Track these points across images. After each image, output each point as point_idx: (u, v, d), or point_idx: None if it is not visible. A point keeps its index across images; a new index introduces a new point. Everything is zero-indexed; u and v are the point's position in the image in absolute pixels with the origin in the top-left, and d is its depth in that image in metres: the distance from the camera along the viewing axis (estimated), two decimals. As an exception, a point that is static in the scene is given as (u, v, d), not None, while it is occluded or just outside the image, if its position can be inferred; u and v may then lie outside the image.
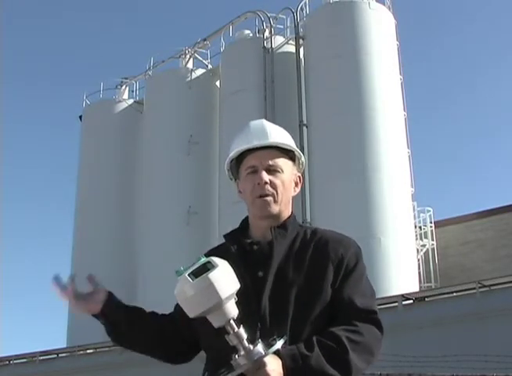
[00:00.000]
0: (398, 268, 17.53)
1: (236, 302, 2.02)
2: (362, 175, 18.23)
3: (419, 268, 19.71)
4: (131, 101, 25.49)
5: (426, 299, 13.38)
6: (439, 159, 48.97)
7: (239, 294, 2.03)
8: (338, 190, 18.13)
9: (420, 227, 21.81)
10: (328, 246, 2.26)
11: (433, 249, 21.81)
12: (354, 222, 17.61)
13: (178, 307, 2.22)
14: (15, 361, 18.19)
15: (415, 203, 20.61)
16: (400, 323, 12.34)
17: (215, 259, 2.01)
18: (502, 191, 43.69)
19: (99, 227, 23.12)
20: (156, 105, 23.59)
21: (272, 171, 2.27)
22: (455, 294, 13.36)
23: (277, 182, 2.26)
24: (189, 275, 1.98)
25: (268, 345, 1.98)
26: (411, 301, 13.20)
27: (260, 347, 1.98)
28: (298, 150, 2.37)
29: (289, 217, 2.33)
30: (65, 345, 21.09)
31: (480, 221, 22.38)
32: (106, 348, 16.86)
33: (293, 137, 2.40)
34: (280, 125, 2.41)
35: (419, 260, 20.30)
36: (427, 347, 11.25)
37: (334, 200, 18.15)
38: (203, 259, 2.02)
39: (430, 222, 22.16)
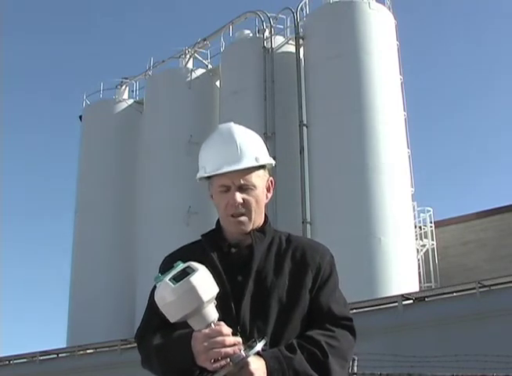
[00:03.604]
0: (398, 268, 17.53)
1: (216, 306, 2.03)
2: (362, 175, 18.22)
3: (419, 268, 19.71)
4: (131, 101, 25.48)
5: (426, 299, 13.37)
6: (439, 159, 49.01)
7: (218, 298, 2.03)
8: (338, 190, 18.11)
9: (420, 227, 21.82)
10: (306, 253, 2.28)
11: (433, 249, 21.81)
12: (354, 221, 17.62)
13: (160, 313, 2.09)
14: (15, 361, 18.22)
15: (415, 203, 20.61)
16: (400, 323, 12.36)
17: (194, 264, 2.02)
18: (503, 191, 43.73)
19: (99, 227, 23.12)
20: (156, 105, 23.57)
21: (244, 189, 2.22)
22: (455, 294, 13.35)
23: (251, 199, 2.23)
24: (169, 280, 1.98)
25: (249, 347, 2.00)
26: (411, 301, 13.20)
27: (241, 349, 1.99)
28: (269, 157, 2.31)
29: (265, 222, 2.32)
30: (65, 345, 21.10)
31: (480, 221, 22.37)
32: (106, 348, 16.88)
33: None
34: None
35: (419, 260, 20.30)
36: (427, 347, 11.24)
37: (334, 199, 18.13)
38: (182, 265, 2.02)
39: (430, 222, 22.17)
